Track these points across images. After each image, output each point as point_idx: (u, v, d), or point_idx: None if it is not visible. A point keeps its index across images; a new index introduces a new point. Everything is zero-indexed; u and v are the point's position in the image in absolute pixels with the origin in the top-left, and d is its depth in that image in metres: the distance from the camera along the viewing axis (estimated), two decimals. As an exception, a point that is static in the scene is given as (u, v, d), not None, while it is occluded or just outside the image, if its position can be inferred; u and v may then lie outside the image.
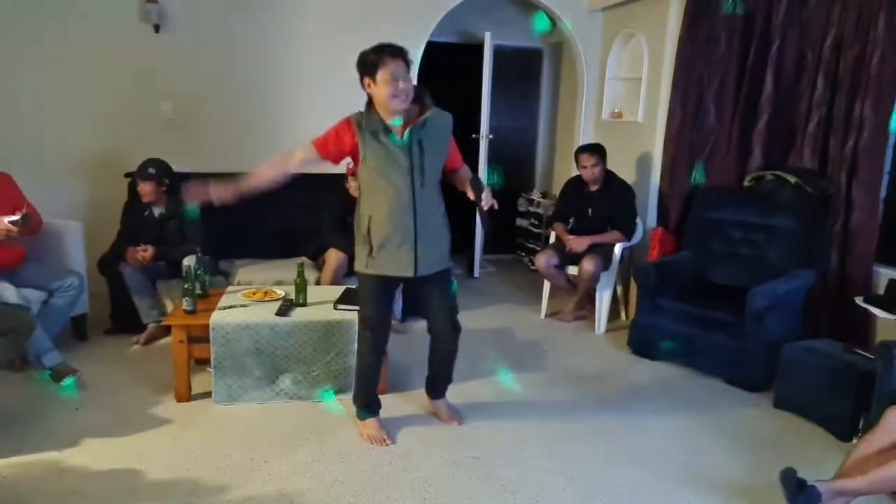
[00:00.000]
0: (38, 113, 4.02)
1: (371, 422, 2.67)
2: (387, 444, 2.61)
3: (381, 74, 2.26)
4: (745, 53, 3.87)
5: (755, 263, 3.59)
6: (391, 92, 2.26)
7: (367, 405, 2.69)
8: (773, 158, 3.82)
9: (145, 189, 3.59)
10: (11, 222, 2.97)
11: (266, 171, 2.47)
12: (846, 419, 2.72)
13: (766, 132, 3.83)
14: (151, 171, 3.58)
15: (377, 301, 2.53)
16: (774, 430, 2.87)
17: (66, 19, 3.98)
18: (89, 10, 4.01)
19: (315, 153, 2.40)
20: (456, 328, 2.63)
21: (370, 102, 2.38)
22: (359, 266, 2.50)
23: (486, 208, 2.41)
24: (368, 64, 2.29)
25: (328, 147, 2.39)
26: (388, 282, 2.51)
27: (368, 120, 2.35)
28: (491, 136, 5.18)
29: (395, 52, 2.28)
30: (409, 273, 2.45)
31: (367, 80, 2.32)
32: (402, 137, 2.35)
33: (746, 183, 3.85)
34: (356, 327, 2.87)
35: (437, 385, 2.83)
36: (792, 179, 3.58)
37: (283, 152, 2.45)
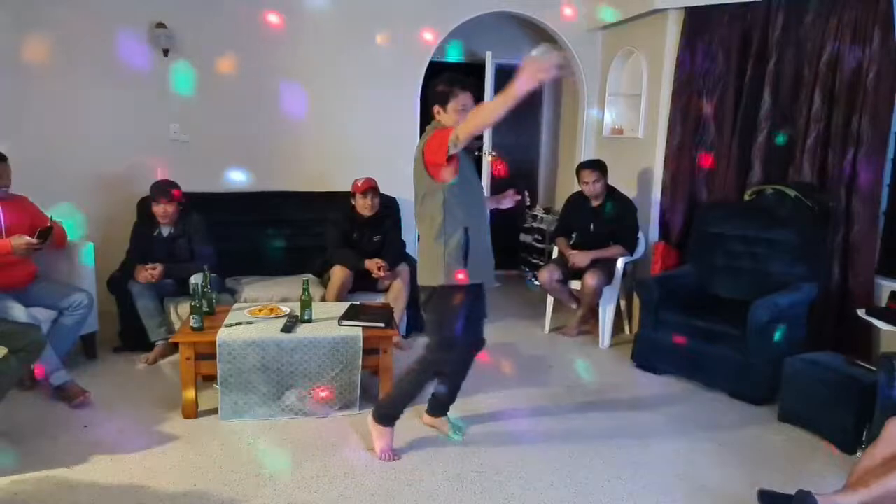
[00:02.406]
0: (51, 135, 4.11)
1: (388, 431, 2.67)
2: (394, 460, 2.63)
3: (452, 104, 2.43)
4: (742, 70, 3.92)
5: (757, 277, 3.61)
6: (460, 121, 2.39)
7: (391, 416, 2.69)
8: (773, 173, 3.86)
9: (168, 210, 3.65)
10: (36, 237, 3.03)
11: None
12: (849, 431, 2.73)
13: (765, 147, 3.87)
14: (173, 192, 3.66)
15: (464, 317, 2.49)
16: (778, 443, 2.87)
17: (77, 43, 4.08)
18: (100, 34, 4.11)
19: (455, 140, 2.28)
20: (484, 342, 2.81)
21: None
22: (445, 278, 2.43)
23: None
24: (440, 94, 2.45)
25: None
26: (478, 292, 2.58)
27: None
28: (494, 154, 5.24)
29: (465, 86, 2.44)
30: (492, 282, 2.62)
31: (436, 108, 2.48)
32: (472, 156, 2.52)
33: (747, 197, 3.88)
34: (360, 344, 2.93)
35: (444, 404, 2.85)
36: (792, 193, 3.61)
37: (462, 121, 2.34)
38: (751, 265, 3.68)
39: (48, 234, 3.08)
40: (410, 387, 2.65)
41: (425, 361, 2.60)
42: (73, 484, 2.42)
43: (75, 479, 2.45)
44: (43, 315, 3.19)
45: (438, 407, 2.88)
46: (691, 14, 4.03)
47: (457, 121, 2.41)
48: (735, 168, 4.00)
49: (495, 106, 2.14)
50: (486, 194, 2.68)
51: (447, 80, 2.46)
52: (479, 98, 5.04)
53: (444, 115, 2.46)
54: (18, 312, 3.02)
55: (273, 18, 4.37)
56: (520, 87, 2.04)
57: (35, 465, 2.52)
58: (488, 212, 2.70)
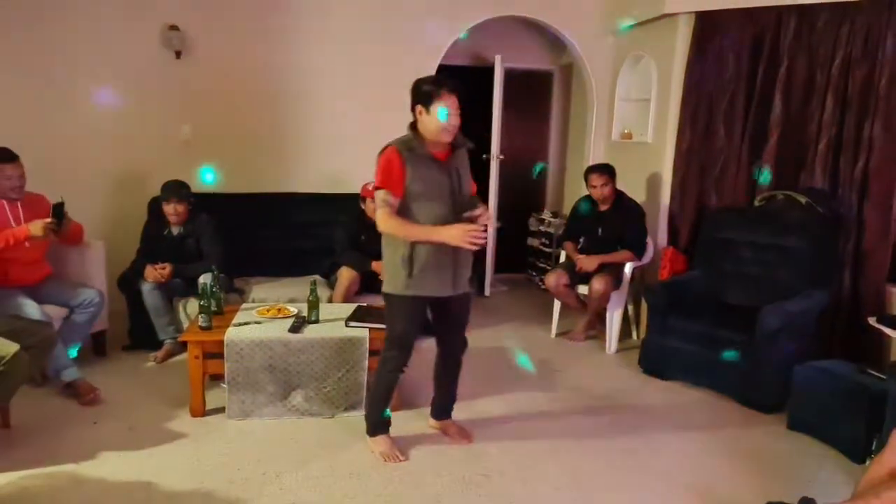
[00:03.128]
0: (65, 135, 4.15)
1: (383, 439, 2.70)
2: (400, 461, 2.64)
3: (436, 106, 2.35)
4: (753, 74, 3.91)
5: (766, 283, 3.58)
6: (443, 125, 2.36)
7: (380, 422, 2.72)
8: (784, 178, 3.84)
9: (179, 209, 3.68)
10: (50, 215, 3.08)
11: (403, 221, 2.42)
12: (859, 440, 2.70)
13: (776, 152, 3.85)
14: (185, 192, 3.70)
15: (411, 321, 2.55)
16: (787, 451, 2.85)
17: (92, 46, 4.13)
18: (114, 36, 4.16)
19: (393, 197, 2.39)
20: (465, 342, 2.75)
21: (415, 127, 2.44)
22: (393, 287, 2.50)
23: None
24: (423, 93, 2.37)
25: (396, 186, 2.39)
26: (423, 302, 2.55)
27: (416, 146, 2.40)
28: (502, 157, 5.25)
29: (452, 89, 2.38)
30: (449, 293, 2.52)
31: (419, 108, 2.40)
32: (445, 164, 2.44)
33: (757, 203, 3.86)
34: (367, 345, 2.94)
35: (445, 406, 2.87)
36: (803, 199, 3.60)
37: (386, 215, 2.40)
38: (760, 271, 3.66)
39: (62, 210, 3.12)
40: (379, 387, 2.66)
41: (381, 359, 2.64)
42: (81, 480, 2.44)
43: (84, 475, 2.47)
44: (54, 312, 3.23)
45: (439, 410, 2.89)
46: (702, 19, 4.03)
47: (440, 126, 2.35)
48: (745, 173, 3.99)
49: (415, 234, 2.37)
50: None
51: (433, 81, 2.39)
52: (481, 101, 5.09)
53: (425, 117, 2.37)
54: (31, 309, 3.06)
55: (284, 21, 4.41)
56: (443, 237, 2.33)
57: (44, 460, 2.55)
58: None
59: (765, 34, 3.84)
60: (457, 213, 2.44)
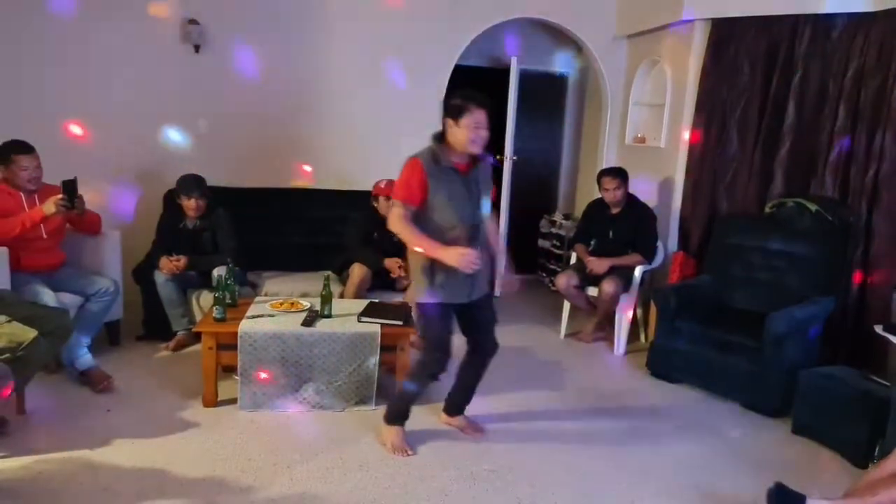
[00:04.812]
0: (81, 127, 4.20)
1: (398, 430, 2.75)
2: (408, 455, 2.68)
3: (466, 120, 2.44)
4: (767, 82, 3.93)
5: (775, 289, 3.60)
6: (471, 138, 2.45)
7: (401, 414, 2.76)
8: (795, 186, 3.85)
9: (200, 204, 3.72)
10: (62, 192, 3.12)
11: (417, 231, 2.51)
12: (862, 446, 2.73)
13: (787, 160, 3.87)
14: (206, 187, 3.75)
15: (443, 324, 2.63)
16: (791, 455, 2.87)
17: (113, 39, 4.18)
18: (134, 31, 4.21)
19: (411, 206, 2.49)
20: (496, 345, 2.81)
21: (442, 139, 2.52)
22: (420, 296, 2.60)
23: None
24: (454, 107, 2.47)
25: (416, 196, 2.48)
26: (449, 307, 2.63)
27: (441, 157, 2.49)
28: (515, 158, 5.28)
29: (481, 103, 2.47)
30: (466, 300, 2.61)
31: (448, 122, 2.49)
32: (466, 175, 2.53)
33: (768, 209, 3.87)
34: (378, 341, 2.98)
35: (460, 404, 2.92)
36: (813, 207, 3.61)
37: (401, 220, 2.49)
38: (769, 277, 3.68)
39: (74, 187, 3.14)
40: (416, 385, 2.72)
41: (419, 362, 2.72)
42: (95, 465, 2.49)
43: (97, 461, 2.52)
44: (70, 301, 3.27)
45: (453, 407, 2.93)
46: (718, 25, 4.04)
47: (468, 138, 2.44)
48: (757, 180, 4.00)
49: (418, 244, 2.47)
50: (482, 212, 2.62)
51: (463, 96, 2.48)
52: (498, 109, 5.12)
53: (455, 129, 2.47)
54: (48, 297, 3.10)
55: (302, 18, 4.45)
56: (440, 255, 2.44)
57: (59, 446, 2.60)
58: (482, 236, 2.62)
59: (780, 43, 3.85)
60: (472, 222, 2.54)
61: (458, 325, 2.75)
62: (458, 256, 2.41)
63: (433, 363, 2.67)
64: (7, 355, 2.45)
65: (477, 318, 2.73)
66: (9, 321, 2.55)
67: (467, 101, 2.45)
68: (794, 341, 3.21)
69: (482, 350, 2.78)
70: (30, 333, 2.54)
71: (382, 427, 2.76)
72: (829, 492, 2.39)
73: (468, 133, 2.44)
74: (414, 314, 2.80)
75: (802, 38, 3.75)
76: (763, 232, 3.76)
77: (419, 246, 2.49)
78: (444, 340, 2.65)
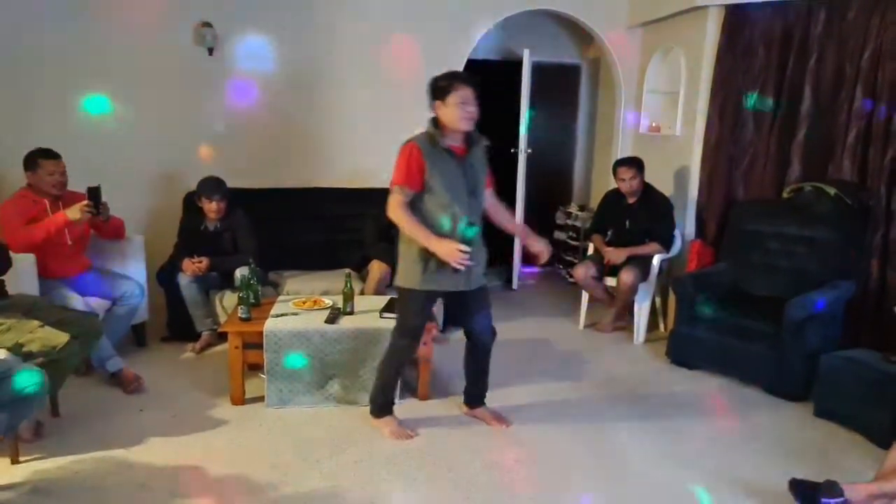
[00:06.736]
0: (101, 133, 4.26)
1: (390, 419, 2.82)
2: (411, 437, 2.76)
3: (452, 98, 2.46)
4: (783, 66, 3.90)
5: (794, 275, 3.59)
6: (461, 115, 2.46)
7: (387, 404, 2.83)
8: (813, 170, 3.83)
9: (221, 206, 3.77)
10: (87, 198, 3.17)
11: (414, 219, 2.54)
12: (886, 428, 2.72)
13: (804, 144, 3.84)
14: (226, 189, 3.80)
15: (422, 314, 2.69)
16: (814, 438, 2.88)
17: (128, 44, 4.23)
18: (149, 34, 4.25)
19: (410, 192, 2.52)
20: (494, 332, 2.84)
21: (436, 124, 2.54)
22: (408, 282, 2.61)
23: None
24: (440, 88, 2.49)
25: (415, 179, 2.51)
26: (436, 296, 2.66)
27: (437, 140, 2.51)
28: (529, 151, 5.28)
29: (465, 80, 2.50)
30: (463, 288, 2.62)
31: (437, 104, 2.51)
32: (462, 158, 2.54)
33: (785, 194, 3.85)
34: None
35: (477, 394, 2.95)
36: (831, 191, 3.58)
37: (398, 207, 2.52)
38: (787, 263, 3.66)
39: (98, 194, 3.19)
40: (389, 374, 2.78)
41: (388, 350, 2.78)
42: (130, 464, 2.56)
43: (132, 460, 2.58)
44: (97, 305, 3.34)
45: (472, 398, 2.97)
46: (732, 11, 4.01)
47: (458, 115, 2.45)
48: (773, 165, 3.98)
49: (414, 233, 2.50)
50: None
51: (447, 76, 2.52)
52: (511, 102, 5.11)
53: (444, 109, 2.48)
54: (77, 302, 3.18)
55: (315, 17, 4.48)
56: (433, 246, 2.46)
57: (94, 445, 2.67)
58: (478, 222, 2.62)
59: (795, 26, 3.82)
60: (468, 207, 2.55)
61: (452, 316, 2.78)
62: (450, 251, 2.43)
63: (402, 350, 2.72)
64: (42, 359, 2.51)
65: (471, 306, 2.74)
66: (41, 326, 2.61)
67: (451, 79, 2.48)
68: (815, 326, 3.21)
69: (480, 338, 2.80)
70: (62, 337, 2.60)
71: (374, 422, 2.82)
72: (853, 475, 2.39)
73: (457, 111, 2.45)
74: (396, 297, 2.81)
75: (817, 21, 3.72)
76: (781, 217, 3.74)
77: (415, 235, 2.50)
78: (417, 329, 2.71)
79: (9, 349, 2.51)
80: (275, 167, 4.55)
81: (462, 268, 2.48)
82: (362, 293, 3.78)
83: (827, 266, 3.49)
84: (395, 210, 2.52)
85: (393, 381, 2.82)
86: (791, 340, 3.18)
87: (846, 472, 2.48)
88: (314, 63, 4.54)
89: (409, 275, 2.61)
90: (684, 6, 4.19)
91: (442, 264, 2.52)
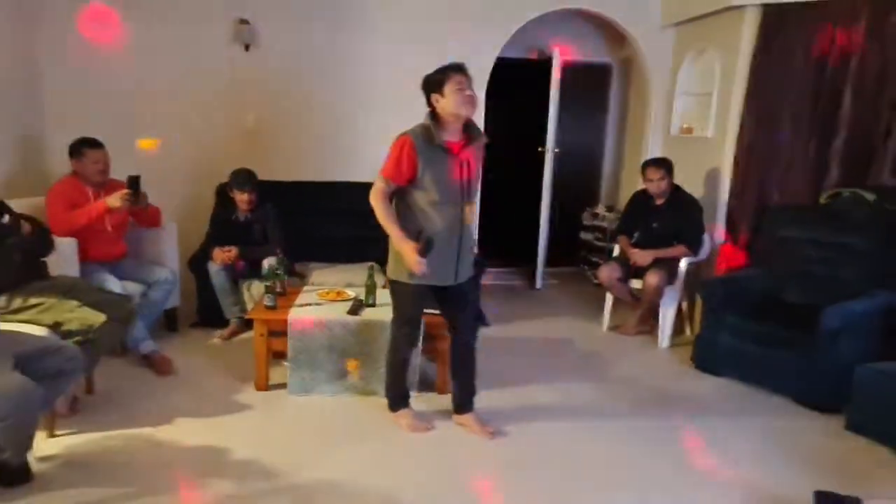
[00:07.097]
0: (146, 125, 4.41)
1: (406, 412, 2.83)
2: (428, 430, 2.77)
3: (449, 86, 2.45)
4: (822, 68, 3.81)
5: (829, 283, 3.49)
6: (461, 99, 2.45)
7: (401, 396, 2.85)
8: (851, 175, 3.73)
9: (252, 198, 3.86)
10: (126, 186, 3.29)
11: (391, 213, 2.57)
12: (920, 444, 2.64)
13: (843, 148, 3.74)
14: (257, 181, 3.89)
15: (417, 304, 2.70)
16: (844, 452, 2.80)
17: (169, 41, 4.36)
18: (190, 32, 4.38)
19: (393, 184, 2.54)
20: (476, 327, 2.86)
21: (434, 118, 2.53)
22: (397, 275, 2.63)
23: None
24: (435, 82, 2.49)
25: (402, 175, 2.51)
26: (427, 287, 2.65)
27: (434, 134, 2.49)
28: (557, 150, 5.26)
29: (458, 68, 2.50)
30: (451, 282, 2.64)
31: (434, 97, 2.50)
32: (458, 155, 2.53)
33: (823, 200, 3.76)
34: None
35: (464, 400, 2.85)
36: (870, 197, 3.49)
37: (379, 195, 2.55)
38: (823, 270, 3.57)
39: (137, 183, 3.32)
40: (396, 364, 2.79)
41: (391, 340, 2.80)
42: (158, 442, 2.64)
43: (160, 438, 2.67)
44: (133, 289, 3.46)
45: (458, 405, 2.86)
46: (769, 11, 3.94)
47: (457, 101, 2.43)
48: (810, 170, 3.88)
49: (385, 224, 2.52)
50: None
51: (438, 70, 2.51)
52: (540, 101, 5.09)
53: (441, 101, 2.47)
54: (113, 285, 3.29)
55: (347, 15, 4.54)
56: (400, 246, 2.50)
57: (124, 423, 2.77)
58: (464, 215, 2.61)
59: (835, 26, 3.72)
60: (460, 203, 2.55)
61: (438, 307, 2.77)
62: (411, 261, 2.46)
63: (403, 338, 2.73)
64: (79, 337, 2.62)
65: (458, 299, 2.72)
66: (80, 306, 2.72)
67: (444, 70, 2.48)
68: (850, 336, 3.12)
69: (462, 333, 2.77)
70: (99, 317, 2.70)
71: (391, 416, 2.84)
72: (883, 490, 2.33)
73: (455, 97, 2.44)
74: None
75: (859, 21, 3.62)
76: (817, 223, 3.65)
77: (388, 229, 2.52)
78: (413, 318, 2.71)
79: (49, 327, 2.63)
80: (303, 160, 4.63)
81: (420, 274, 2.49)
82: (384, 286, 3.82)
83: (864, 274, 3.39)
84: (376, 198, 2.53)
85: (401, 372, 2.81)
86: (825, 350, 3.10)
87: (874, 490, 2.42)
88: (345, 60, 4.61)
89: (397, 267, 2.62)
90: (720, 6, 4.13)
91: (430, 258, 2.50)
